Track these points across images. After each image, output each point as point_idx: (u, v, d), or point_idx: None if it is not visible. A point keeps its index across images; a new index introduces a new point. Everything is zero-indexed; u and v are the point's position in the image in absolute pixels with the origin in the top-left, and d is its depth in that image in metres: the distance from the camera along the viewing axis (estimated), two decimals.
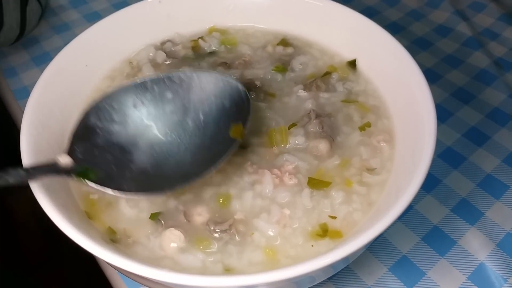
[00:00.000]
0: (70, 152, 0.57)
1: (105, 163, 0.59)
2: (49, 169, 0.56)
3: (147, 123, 0.63)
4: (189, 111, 0.64)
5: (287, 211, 0.61)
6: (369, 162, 0.66)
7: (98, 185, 0.56)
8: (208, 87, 0.65)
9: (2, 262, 1.23)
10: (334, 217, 0.61)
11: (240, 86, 0.65)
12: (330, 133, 0.68)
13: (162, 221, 0.61)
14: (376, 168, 0.65)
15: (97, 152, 0.59)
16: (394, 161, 0.65)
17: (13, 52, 1.11)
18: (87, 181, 0.56)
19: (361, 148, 0.67)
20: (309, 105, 0.72)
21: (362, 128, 0.69)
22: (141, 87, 0.64)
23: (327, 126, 0.69)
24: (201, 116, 0.64)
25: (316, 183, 0.63)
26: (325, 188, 0.63)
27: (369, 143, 0.68)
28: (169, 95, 0.65)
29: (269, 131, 0.69)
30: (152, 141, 0.63)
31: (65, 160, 0.55)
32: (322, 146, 0.66)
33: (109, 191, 0.56)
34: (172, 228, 0.59)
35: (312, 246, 0.59)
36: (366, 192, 0.63)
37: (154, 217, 0.61)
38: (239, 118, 0.63)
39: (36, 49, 1.11)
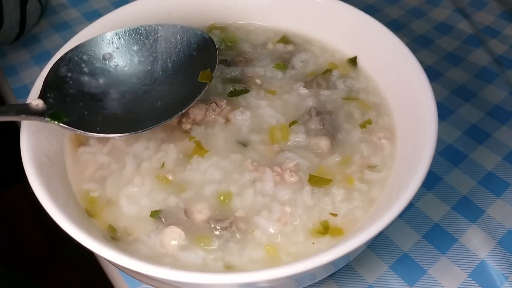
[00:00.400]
0: (43, 98, 0.60)
1: (77, 109, 0.62)
2: (22, 109, 0.58)
3: (116, 73, 0.67)
4: (157, 61, 0.68)
5: (288, 209, 0.61)
6: (370, 159, 0.66)
7: (70, 127, 0.59)
8: (174, 38, 0.69)
9: (2, 260, 1.22)
10: (335, 215, 0.61)
11: (205, 35, 0.69)
12: (331, 131, 0.68)
13: (163, 219, 0.61)
14: (377, 166, 0.65)
15: (69, 99, 0.62)
16: (395, 158, 0.65)
17: (13, 50, 1.10)
18: (60, 123, 0.58)
19: (362, 145, 0.67)
20: (309, 102, 0.72)
21: (363, 126, 0.69)
22: (109, 40, 0.68)
23: (328, 123, 0.68)
24: (170, 65, 0.68)
25: (317, 181, 0.63)
26: (326, 186, 0.63)
27: (370, 140, 0.68)
28: (136, 46, 0.68)
29: (269, 128, 0.69)
30: (123, 89, 0.66)
31: (37, 103, 0.58)
32: (323, 143, 0.66)
33: (80, 132, 0.59)
34: (173, 226, 0.59)
35: (313, 243, 0.59)
36: (367, 190, 0.63)
37: (155, 214, 0.61)
38: (207, 64, 0.67)
39: (36, 48, 1.11)
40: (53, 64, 0.64)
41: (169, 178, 0.64)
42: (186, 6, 0.82)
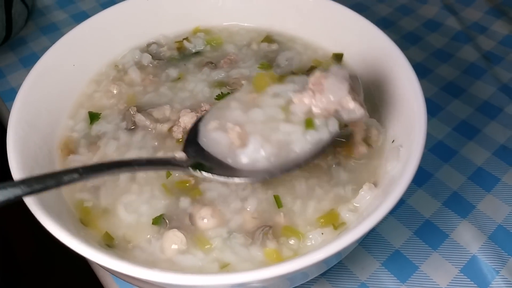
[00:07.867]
0: (185, 150, 0.62)
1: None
2: (167, 161, 0.61)
3: None
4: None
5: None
6: None
7: (211, 174, 0.59)
8: None
9: None
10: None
11: None
12: None
13: (167, 220, 0.60)
14: None
15: (205, 153, 0.62)
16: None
17: (0, 54, 1.09)
18: (202, 171, 0.59)
19: None
20: None
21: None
22: None
23: None
24: None
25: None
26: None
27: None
28: None
29: None
30: None
31: (180, 155, 0.61)
32: None
33: (222, 178, 0.59)
34: (175, 230, 0.59)
35: (322, 234, 0.59)
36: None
37: (157, 221, 0.60)
38: None
39: (23, 50, 1.10)
40: (200, 119, 0.64)
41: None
42: (174, 6, 0.82)
